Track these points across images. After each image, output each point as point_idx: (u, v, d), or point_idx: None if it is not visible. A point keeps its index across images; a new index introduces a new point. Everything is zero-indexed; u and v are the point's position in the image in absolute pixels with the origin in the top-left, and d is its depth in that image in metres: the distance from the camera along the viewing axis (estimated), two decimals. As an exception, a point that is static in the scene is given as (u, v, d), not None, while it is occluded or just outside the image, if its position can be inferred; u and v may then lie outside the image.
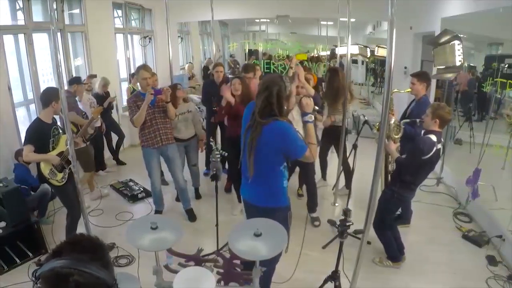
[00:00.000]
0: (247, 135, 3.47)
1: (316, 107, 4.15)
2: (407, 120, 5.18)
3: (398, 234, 4.99)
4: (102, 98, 8.22)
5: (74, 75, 7.90)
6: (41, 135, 4.85)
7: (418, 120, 4.86)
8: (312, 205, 6.11)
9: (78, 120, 6.46)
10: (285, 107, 3.48)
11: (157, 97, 5.56)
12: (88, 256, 1.43)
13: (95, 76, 8.05)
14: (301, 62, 12.22)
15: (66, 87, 7.67)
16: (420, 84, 5.52)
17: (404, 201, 4.67)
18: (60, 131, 5.13)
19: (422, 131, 4.61)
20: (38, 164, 4.95)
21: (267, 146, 3.38)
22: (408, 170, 4.44)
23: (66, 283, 1.33)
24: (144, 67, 5.76)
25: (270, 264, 3.72)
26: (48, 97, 4.88)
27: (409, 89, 5.64)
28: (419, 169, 4.41)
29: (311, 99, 3.61)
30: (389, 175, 5.02)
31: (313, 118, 3.65)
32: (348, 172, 6.77)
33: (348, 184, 6.84)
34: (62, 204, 5.47)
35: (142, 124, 5.62)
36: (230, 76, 8.65)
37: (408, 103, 5.87)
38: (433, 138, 4.29)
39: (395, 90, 5.54)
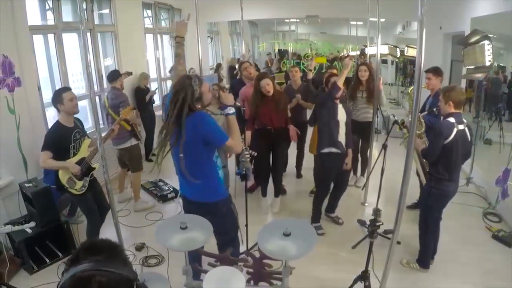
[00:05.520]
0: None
1: (238, 103, 4.26)
2: (425, 112, 5.19)
3: (437, 238, 4.93)
4: (144, 92, 8.35)
5: (103, 76, 7.99)
6: (60, 140, 4.59)
7: (435, 109, 4.86)
8: (334, 206, 6.13)
9: (133, 119, 6.41)
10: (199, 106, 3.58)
11: None
12: (106, 255, 1.42)
13: (131, 73, 8.00)
14: (332, 60, 12.22)
15: (106, 85, 7.73)
16: (436, 79, 5.71)
17: (444, 196, 4.57)
18: (82, 135, 4.88)
19: (442, 118, 4.57)
20: (56, 172, 4.70)
21: (194, 137, 3.44)
22: (436, 159, 4.37)
23: (89, 287, 1.30)
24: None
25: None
26: (53, 101, 4.65)
27: (425, 85, 5.77)
28: (446, 156, 4.32)
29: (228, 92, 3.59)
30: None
31: (233, 110, 3.81)
32: (365, 162, 7.23)
33: (362, 172, 7.49)
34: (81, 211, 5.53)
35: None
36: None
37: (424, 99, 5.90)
38: (451, 120, 4.25)
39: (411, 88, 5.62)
